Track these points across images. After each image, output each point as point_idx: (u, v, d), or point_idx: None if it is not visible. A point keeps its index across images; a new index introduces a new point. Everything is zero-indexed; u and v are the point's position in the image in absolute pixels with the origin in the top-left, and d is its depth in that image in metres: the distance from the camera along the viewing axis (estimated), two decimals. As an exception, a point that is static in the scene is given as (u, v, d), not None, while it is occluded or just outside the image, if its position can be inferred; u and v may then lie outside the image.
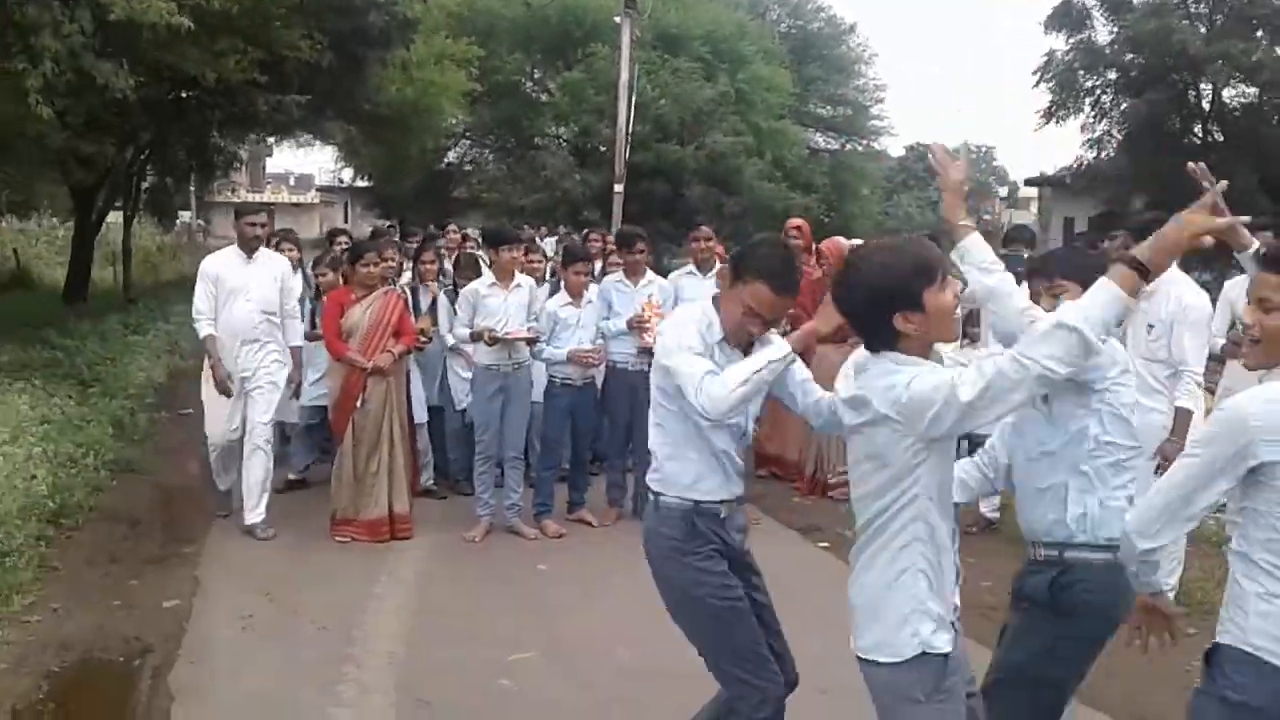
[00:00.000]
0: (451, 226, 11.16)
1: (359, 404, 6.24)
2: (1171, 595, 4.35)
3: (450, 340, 7.06)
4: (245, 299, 6.25)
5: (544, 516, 6.62)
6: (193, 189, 25.85)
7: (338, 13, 12.51)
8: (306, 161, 71.41)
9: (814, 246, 7.85)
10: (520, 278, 6.54)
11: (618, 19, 20.48)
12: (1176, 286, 4.91)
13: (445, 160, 28.53)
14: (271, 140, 22.49)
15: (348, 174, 32.40)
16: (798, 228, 8.03)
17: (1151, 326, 4.91)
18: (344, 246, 7.73)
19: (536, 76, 27.21)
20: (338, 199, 43.85)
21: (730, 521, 3.19)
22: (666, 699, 3.91)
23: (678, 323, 3.19)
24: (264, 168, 46.73)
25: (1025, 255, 6.56)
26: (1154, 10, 19.20)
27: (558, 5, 24.20)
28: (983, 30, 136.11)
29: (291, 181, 53.64)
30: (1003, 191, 57.76)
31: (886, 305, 2.50)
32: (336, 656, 4.69)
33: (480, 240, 10.23)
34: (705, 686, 3.22)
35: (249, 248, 6.34)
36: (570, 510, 6.83)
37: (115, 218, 19.68)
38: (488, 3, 24.37)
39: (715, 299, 3.20)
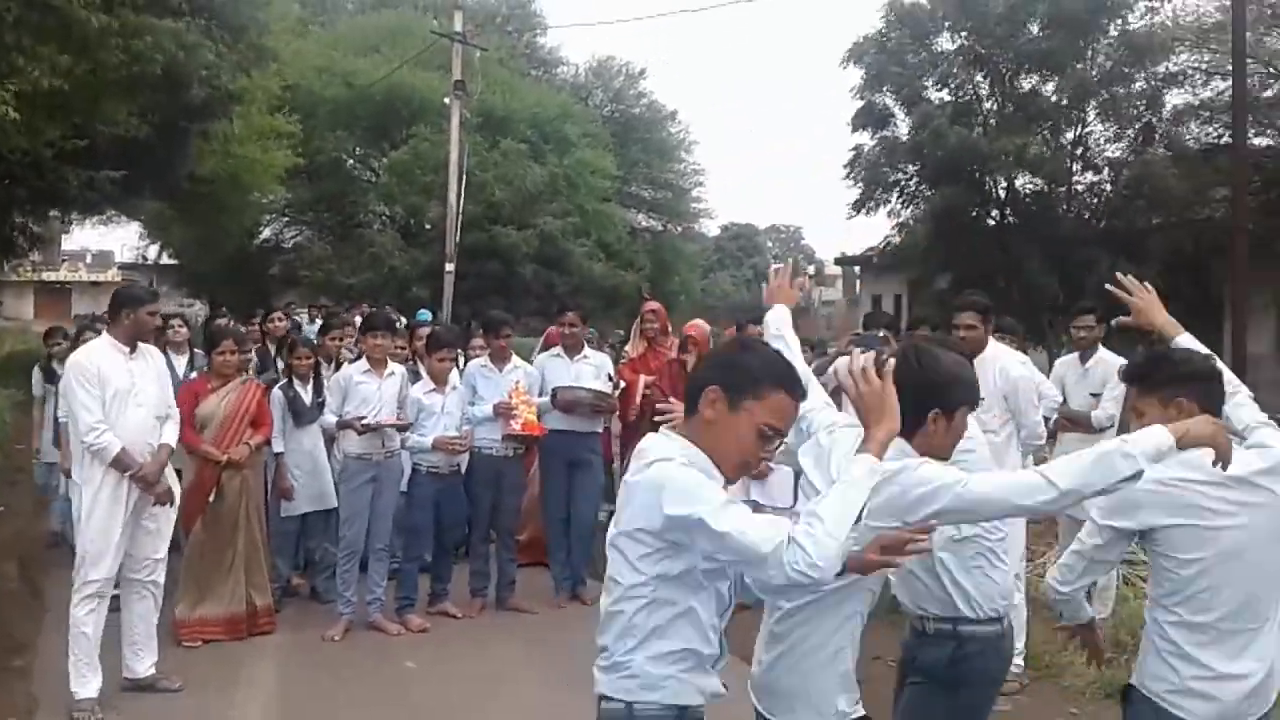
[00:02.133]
0: (278, 313, 9.72)
1: (211, 498, 5.90)
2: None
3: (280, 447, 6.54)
4: (136, 404, 5.00)
5: (407, 610, 6.38)
6: (-16, 268, 24.13)
7: (161, 87, 12.02)
8: (108, 238, 67.11)
9: (668, 328, 7.84)
10: (393, 365, 6.38)
11: (447, 100, 20.54)
12: (999, 361, 5.13)
13: (260, 238, 27.66)
14: (74, 218, 21.33)
15: (153, 250, 30.95)
16: (654, 311, 7.81)
17: (980, 399, 5.21)
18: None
19: (359, 154, 26.81)
20: (142, 277, 41.51)
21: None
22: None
23: (674, 474, 2.29)
24: (59, 244, 43.99)
25: (881, 334, 6.81)
26: (925, 119, 20.48)
27: (382, 86, 23.99)
28: (793, 124, 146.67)
29: (89, 259, 50.70)
30: (810, 269, 60.29)
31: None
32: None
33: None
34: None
35: (139, 340, 5.12)
36: (432, 603, 6.60)
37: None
38: (308, 83, 23.92)
39: (687, 439, 2.42)
